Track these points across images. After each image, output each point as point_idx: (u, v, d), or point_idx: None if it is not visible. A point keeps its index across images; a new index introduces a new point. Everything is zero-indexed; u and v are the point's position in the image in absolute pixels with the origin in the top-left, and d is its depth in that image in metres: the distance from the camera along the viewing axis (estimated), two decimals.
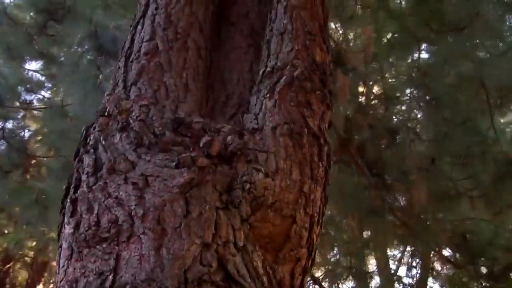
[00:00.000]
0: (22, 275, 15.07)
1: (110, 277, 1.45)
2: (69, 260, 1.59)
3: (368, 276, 7.67)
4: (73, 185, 1.75)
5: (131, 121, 1.84)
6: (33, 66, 8.58)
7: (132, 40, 2.29)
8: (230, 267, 1.49)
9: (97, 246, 1.54)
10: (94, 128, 1.89)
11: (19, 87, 7.03)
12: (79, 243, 1.57)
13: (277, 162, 1.76)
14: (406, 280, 8.53)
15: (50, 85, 9.32)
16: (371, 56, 5.22)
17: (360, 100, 7.36)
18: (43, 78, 9.16)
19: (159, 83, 2.04)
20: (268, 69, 2.12)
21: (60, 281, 1.58)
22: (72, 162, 1.91)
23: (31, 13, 7.39)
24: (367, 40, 5.41)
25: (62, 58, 6.26)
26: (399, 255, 9.70)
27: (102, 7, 4.97)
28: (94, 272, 1.49)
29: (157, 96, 1.98)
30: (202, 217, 1.55)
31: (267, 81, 2.06)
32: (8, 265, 13.75)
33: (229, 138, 1.78)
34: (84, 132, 1.92)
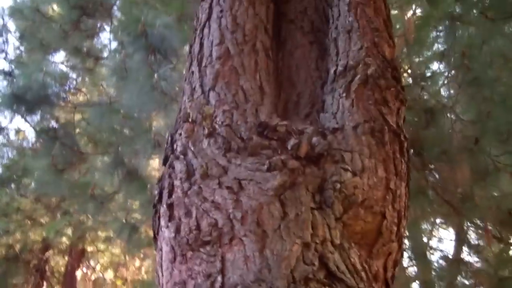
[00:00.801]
0: (59, 263, 15.56)
1: (219, 278, 1.53)
2: (173, 263, 1.67)
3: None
4: (166, 191, 1.84)
5: (216, 126, 1.92)
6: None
7: (201, 44, 2.36)
8: (331, 264, 1.56)
9: (201, 249, 1.62)
10: (180, 134, 1.96)
11: (56, 84, 7.15)
12: (182, 246, 1.66)
13: (362, 160, 1.82)
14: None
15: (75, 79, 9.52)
16: (411, 40, 5.22)
17: None
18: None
19: (236, 87, 2.10)
20: (340, 68, 2.16)
21: (166, 283, 1.67)
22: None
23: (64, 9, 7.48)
24: (407, 24, 5.39)
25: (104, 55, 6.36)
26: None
27: (141, 2, 5.04)
28: (201, 274, 1.57)
29: (237, 100, 2.04)
30: (299, 218, 1.62)
31: (341, 80, 2.11)
32: (47, 253, 14.21)
33: (314, 139, 1.84)
34: (169, 139, 2.00)
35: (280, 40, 2.65)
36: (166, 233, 1.75)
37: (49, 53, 7.97)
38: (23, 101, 4.93)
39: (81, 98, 9.66)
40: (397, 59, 2.33)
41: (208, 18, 2.46)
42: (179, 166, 1.85)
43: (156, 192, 1.91)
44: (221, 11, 2.44)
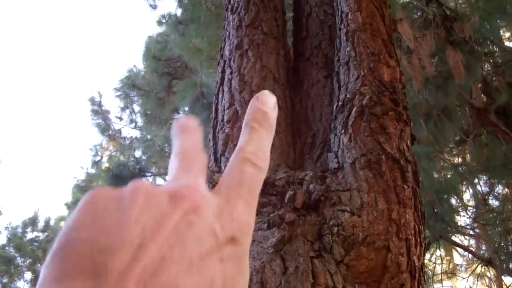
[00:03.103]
0: None
1: None
2: None
3: None
4: None
5: None
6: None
7: (216, 109, 2.50)
8: None
9: None
10: None
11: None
12: None
13: (361, 197, 1.84)
14: None
15: None
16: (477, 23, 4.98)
17: (489, 62, 7.00)
18: None
19: None
20: (339, 103, 2.20)
21: None
22: None
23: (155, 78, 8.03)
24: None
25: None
26: None
27: (208, 59, 5.31)
28: None
29: None
30: (299, 270, 1.68)
31: (340, 116, 2.14)
32: None
33: (311, 186, 1.90)
34: None
35: (299, 80, 2.72)
36: None
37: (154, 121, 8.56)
38: (120, 178, 5.34)
39: None
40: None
41: (221, 82, 2.60)
42: None
43: None
44: (231, 72, 2.57)
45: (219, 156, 2.24)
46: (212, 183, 2.07)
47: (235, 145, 2.22)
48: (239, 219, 0.38)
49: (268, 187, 1.96)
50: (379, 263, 1.75)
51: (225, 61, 2.68)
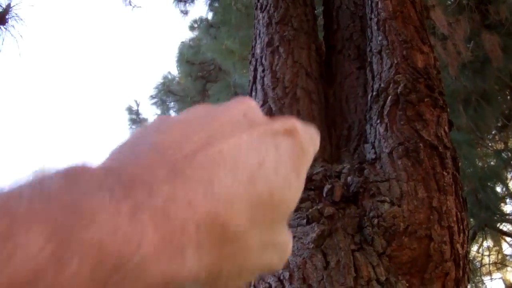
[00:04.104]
0: None
1: None
2: None
3: None
4: None
5: None
6: None
7: None
8: None
9: None
10: None
11: None
12: None
13: (400, 186, 1.81)
14: None
15: None
16: None
17: None
18: None
19: None
20: (374, 93, 2.16)
21: None
22: None
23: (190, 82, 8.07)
24: None
25: None
26: None
27: (240, 60, 5.32)
28: None
29: None
30: (340, 264, 1.66)
31: (374, 106, 2.11)
32: None
33: (349, 178, 1.87)
34: None
35: (332, 74, 2.69)
36: None
37: None
38: None
39: None
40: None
41: (254, 80, 2.59)
42: None
43: None
44: (263, 70, 2.56)
45: None
46: None
47: None
48: (296, 122, 0.36)
49: (305, 182, 1.94)
50: (422, 252, 1.72)
51: (256, 59, 2.67)
